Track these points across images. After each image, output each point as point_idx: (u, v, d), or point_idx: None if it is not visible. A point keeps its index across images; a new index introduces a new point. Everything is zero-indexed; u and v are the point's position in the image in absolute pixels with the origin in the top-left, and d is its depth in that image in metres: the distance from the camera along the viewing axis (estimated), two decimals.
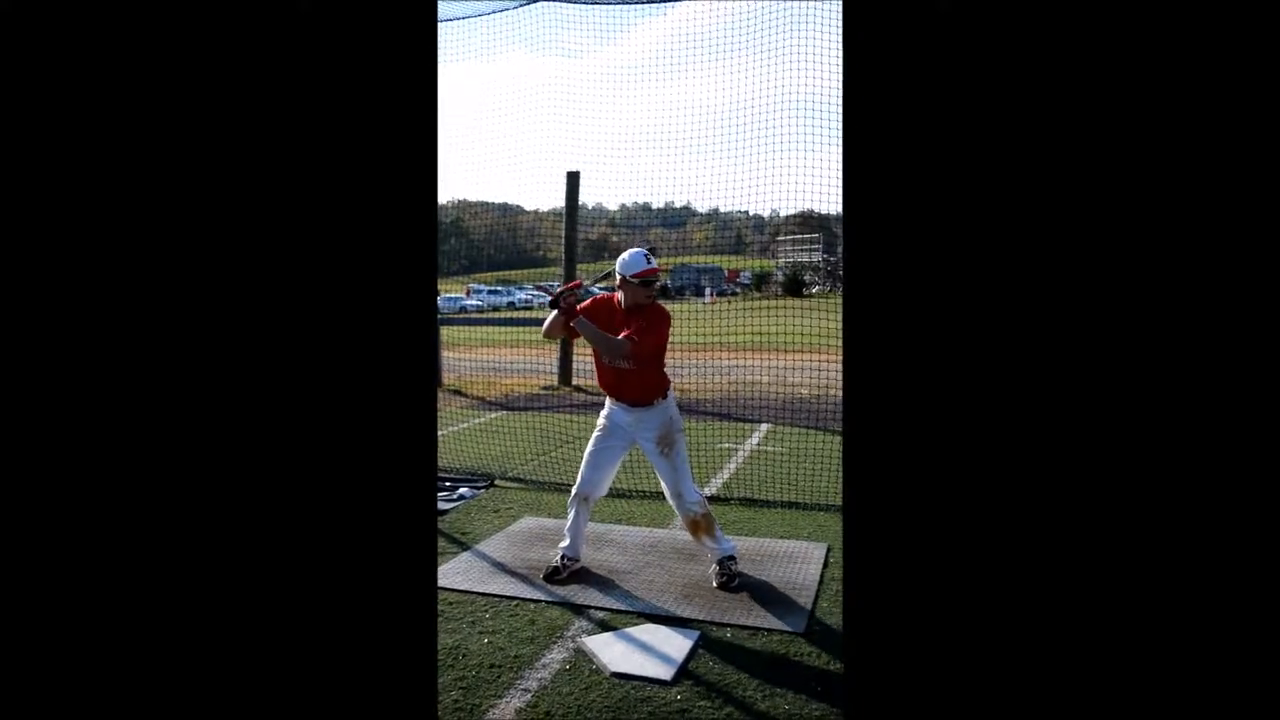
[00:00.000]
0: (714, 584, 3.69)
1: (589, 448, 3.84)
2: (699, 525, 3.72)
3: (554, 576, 3.79)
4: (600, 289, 4.34)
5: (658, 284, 3.69)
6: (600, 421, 3.85)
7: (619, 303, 3.71)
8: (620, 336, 3.56)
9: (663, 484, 3.78)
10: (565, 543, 3.86)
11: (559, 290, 3.68)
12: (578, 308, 3.67)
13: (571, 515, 3.85)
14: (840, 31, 1.40)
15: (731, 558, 3.74)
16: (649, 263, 3.63)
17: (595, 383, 3.93)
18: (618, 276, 3.66)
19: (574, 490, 3.85)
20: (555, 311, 3.65)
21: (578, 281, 3.71)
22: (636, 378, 3.67)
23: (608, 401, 3.83)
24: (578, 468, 3.87)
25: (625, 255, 3.68)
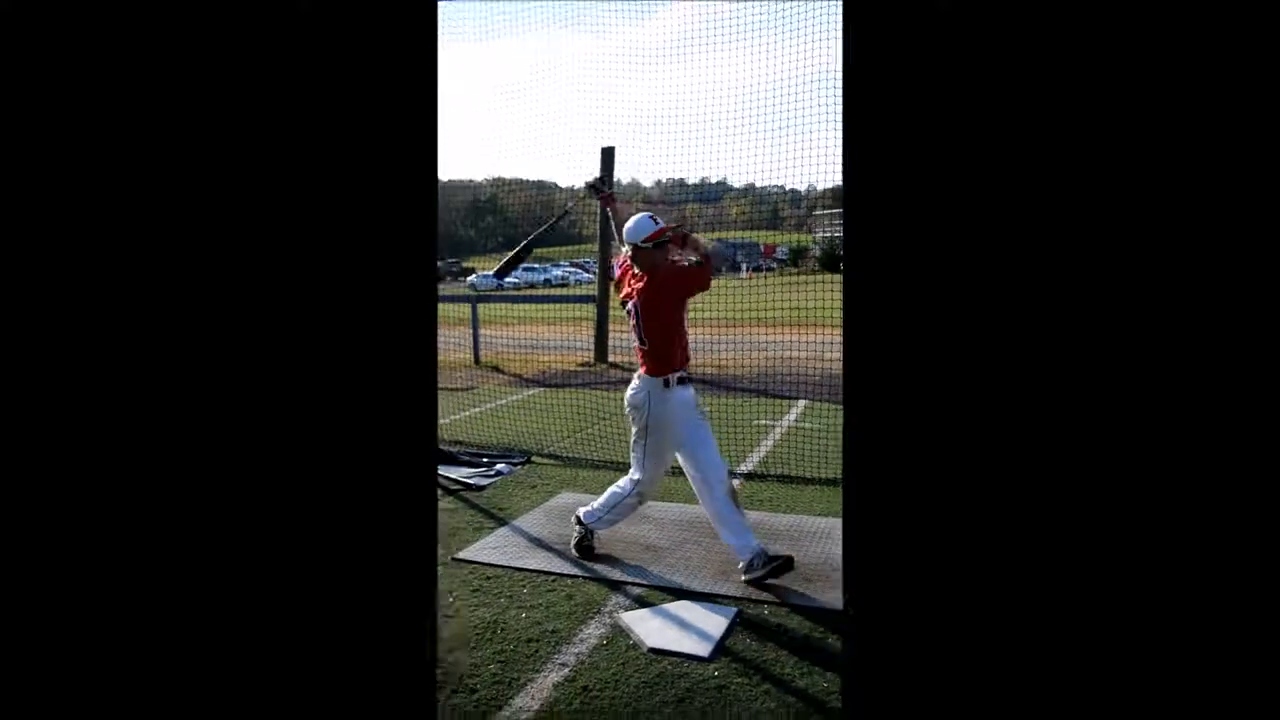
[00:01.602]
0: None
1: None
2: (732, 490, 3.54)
3: (581, 541, 3.79)
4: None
5: (669, 241, 3.44)
6: (676, 415, 3.50)
7: (635, 274, 3.51)
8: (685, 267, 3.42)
9: (704, 453, 3.52)
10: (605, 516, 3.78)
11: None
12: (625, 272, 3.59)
13: (634, 505, 3.74)
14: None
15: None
16: (656, 223, 3.38)
17: (631, 359, 3.78)
18: (627, 248, 3.47)
19: (642, 490, 3.69)
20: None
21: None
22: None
23: (672, 390, 3.49)
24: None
25: (630, 223, 3.44)
